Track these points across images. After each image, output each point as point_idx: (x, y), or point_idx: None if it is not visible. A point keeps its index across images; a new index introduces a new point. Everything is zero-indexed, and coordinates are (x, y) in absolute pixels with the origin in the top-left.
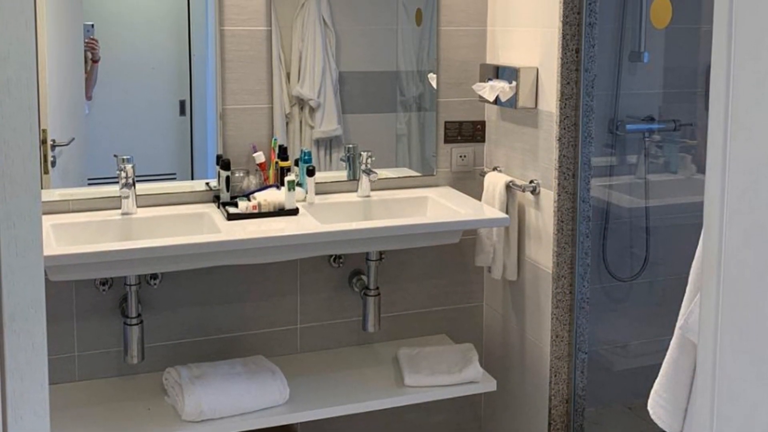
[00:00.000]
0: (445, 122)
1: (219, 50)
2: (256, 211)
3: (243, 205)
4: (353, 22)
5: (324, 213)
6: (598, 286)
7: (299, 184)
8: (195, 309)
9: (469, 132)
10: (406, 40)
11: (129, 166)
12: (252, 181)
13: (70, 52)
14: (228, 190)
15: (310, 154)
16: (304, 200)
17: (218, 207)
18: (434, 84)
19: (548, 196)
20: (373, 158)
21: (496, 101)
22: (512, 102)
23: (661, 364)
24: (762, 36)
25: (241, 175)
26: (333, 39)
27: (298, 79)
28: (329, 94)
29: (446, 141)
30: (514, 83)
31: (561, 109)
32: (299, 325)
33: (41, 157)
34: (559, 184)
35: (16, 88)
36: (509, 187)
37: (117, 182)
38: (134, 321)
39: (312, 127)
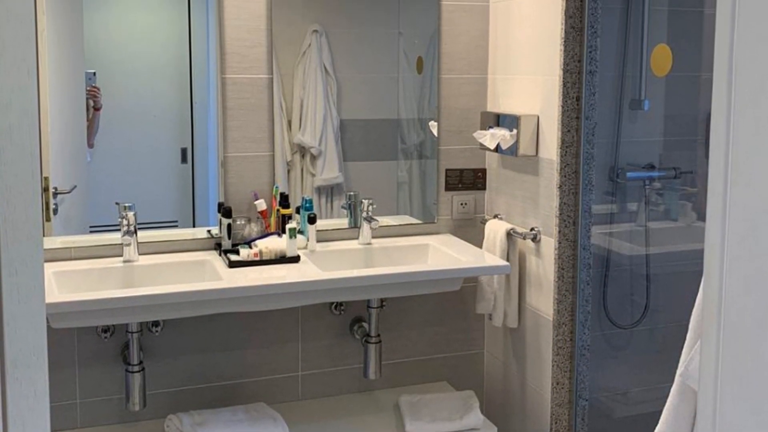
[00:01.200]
0: (446, 170)
1: (220, 98)
2: (257, 258)
3: (244, 253)
4: (354, 70)
5: (325, 260)
6: (598, 333)
7: (300, 232)
8: (197, 356)
9: (470, 180)
10: (407, 88)
11: (131, 214)
12: (253, 228)
13: (72, 100)
14: (229, 238)
15: (311, 201)
16: (305, 248)
17: (220, 254)
18: (435, 132)
19: (549, 244)
20: (374, 206)
21: (497, 149)
22: (513, 150)
23: (661, 411)
24: (762, 83)
25: (243, 222)
26: (334, 87)
27: (300, 126)
28: (330, 141)
29: (447, 188)
30: (514, 131)
31: (562, 156)
32: (300, 372)
33: (43, 205)
34: (559, 232)
35: (18, 135)
36: (510, 235)
37: (119, 230)
38: (136, 368)
39: (313, 175)
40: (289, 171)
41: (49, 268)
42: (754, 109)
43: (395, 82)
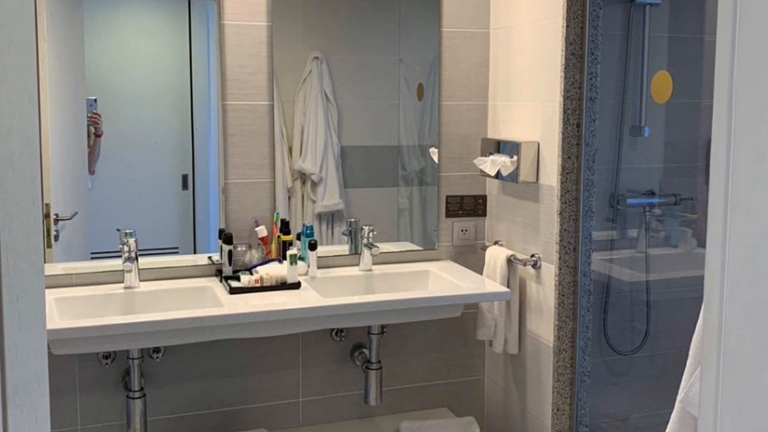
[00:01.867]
0: (447, 196)
1: (221, 125)
2: (258, 284)
3: (245, 279)
4: (355, 96)
5: (326, 287)
6: (599, 359)
7: (301, 258)
8: (198, 382)
9: (471, 206)
10: (407, 114)
11: (132, 240)
12: (254, 255)
13: (73, 127)
14: (230, 264)
15: (312, 228)
16: (306, 274)
17: (221, 281)
18: (435, 158)
19: (549, 270)
20: (375, 232)
21: (498, 175)
22: (513, 176)
23: None
24: (762, 111)
25: (244, 249)
26: (335, 113)
27: (300, 153)
28: (331, 168)
29: (447, 215)
30: (515, 157)
31: (562, 183)
32: (301, 398)
33: (44, 231)
34: (560, 258)
35: (20, 162)
36: (510, 261)
37: (120, 256)
38: (137, 394)
39: (314, 201)
40: (289, 197)
41: (51, 295)
42: (754, 137)
43: (396, 109)
